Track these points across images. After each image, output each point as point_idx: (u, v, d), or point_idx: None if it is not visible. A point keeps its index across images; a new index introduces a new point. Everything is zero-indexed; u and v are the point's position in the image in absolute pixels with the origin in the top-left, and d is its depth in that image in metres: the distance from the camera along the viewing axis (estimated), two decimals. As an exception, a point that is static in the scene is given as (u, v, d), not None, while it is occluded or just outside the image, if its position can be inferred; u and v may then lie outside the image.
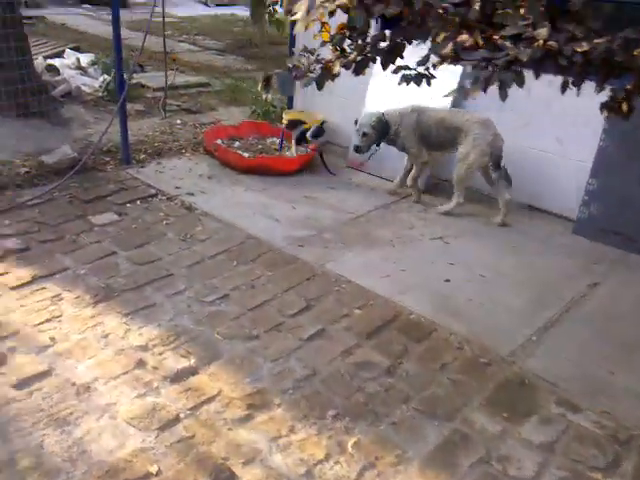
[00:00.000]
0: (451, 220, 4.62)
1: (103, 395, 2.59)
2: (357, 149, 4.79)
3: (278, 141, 5.63)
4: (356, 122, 4.78)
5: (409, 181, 4.87)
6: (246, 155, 5.26)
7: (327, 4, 1.69)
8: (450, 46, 1.79)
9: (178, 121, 6.41)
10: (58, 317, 3.07)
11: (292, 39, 5.98)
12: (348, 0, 1.71)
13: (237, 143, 5.61)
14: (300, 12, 1.75)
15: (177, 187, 4.74)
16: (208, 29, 12.96)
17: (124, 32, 11.31)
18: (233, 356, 2.92)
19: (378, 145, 4.79)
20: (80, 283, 3.39)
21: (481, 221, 4.65)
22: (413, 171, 4.84)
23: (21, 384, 2.60)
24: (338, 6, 1.72)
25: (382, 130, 4.67)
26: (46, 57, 7.64)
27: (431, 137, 4.68)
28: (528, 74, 1.96)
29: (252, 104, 6.67)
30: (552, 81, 2.12)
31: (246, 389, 2.70)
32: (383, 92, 5.29)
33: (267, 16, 8.62)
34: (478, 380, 2.90)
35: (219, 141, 5.56)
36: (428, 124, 4.63)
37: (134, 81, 7.11)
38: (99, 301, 3.24)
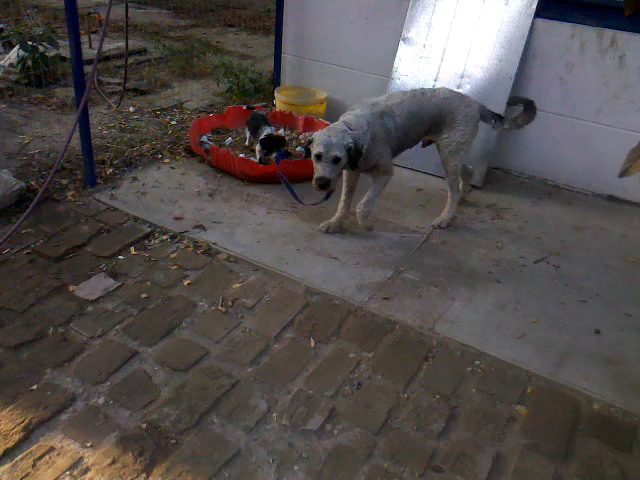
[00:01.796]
0: (531, 229, 3.67)
1: None
2: (325, 184, 3.07)
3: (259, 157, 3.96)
4: (310, 142, 3.11)
5: (359, 207, 3.36)
6: (254, 160, 3.95)
7: None
8: None
9: (131, 109, 4.91)
10: (98, 515, 1.85)
11: None
12: None
13: (229, 139, 4.27)
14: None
15: (177, 218, 3.43)
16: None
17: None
18: None
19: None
20: (105, 427, 2.14)
21: (563, 226, 3.73)
22: (372, 193, 3.32)
23: None
24: None
25: (357, 150, 3.07)
26: None
27: (408, 137, 3.37)
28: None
29: (224, 79, 5.23)
30: None
31: None
32: (416, 61, 4.15)
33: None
34: None
35: (204, 138, 4.21)
36: (403, 123, 3.28)
37: (52, 53, 5.43)
38: (152, 462, 2.01)
